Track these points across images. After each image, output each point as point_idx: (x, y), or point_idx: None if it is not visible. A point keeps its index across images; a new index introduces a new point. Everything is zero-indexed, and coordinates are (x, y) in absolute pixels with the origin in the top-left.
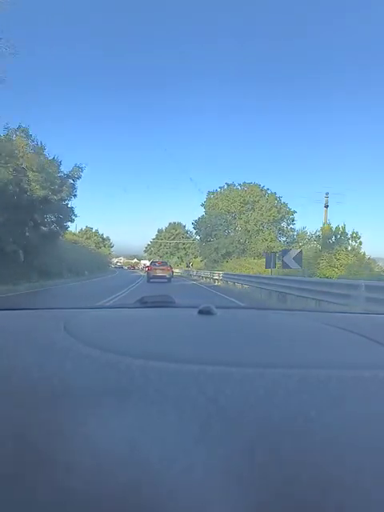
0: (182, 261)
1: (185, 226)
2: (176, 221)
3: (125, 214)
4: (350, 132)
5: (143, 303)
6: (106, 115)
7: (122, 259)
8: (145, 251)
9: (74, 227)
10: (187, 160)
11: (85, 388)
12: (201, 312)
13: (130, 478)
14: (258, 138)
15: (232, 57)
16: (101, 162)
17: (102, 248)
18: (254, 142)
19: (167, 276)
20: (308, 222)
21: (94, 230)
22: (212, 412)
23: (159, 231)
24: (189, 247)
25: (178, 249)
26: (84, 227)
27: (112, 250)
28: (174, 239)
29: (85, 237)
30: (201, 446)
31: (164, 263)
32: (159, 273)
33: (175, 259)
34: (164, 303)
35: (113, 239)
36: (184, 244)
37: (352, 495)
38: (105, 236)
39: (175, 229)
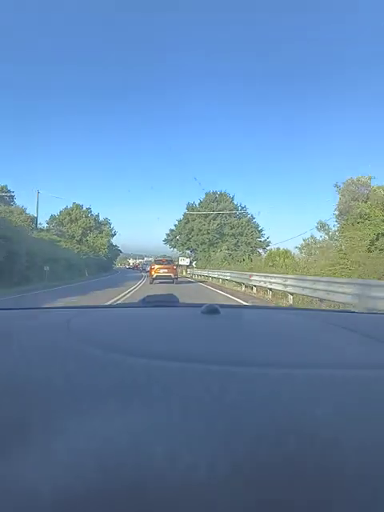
0: (231, 255)
1: (233, 198)
2: (217, 190)
3: (144, 208)
4: None
5: (147, 302)
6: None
7: (152, 258)
8: (165, 242)
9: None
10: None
11: (89, 387)
12: (205, 311)
13: (135, 476)
14: None
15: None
16: (118, 157)
17: (92, 236)
18: None
19: (172, 276)
20: None
21: (84, 209)
22: (216, 411)
23: (189, 207)
24: (242, 233)
25: (224, 235)
26: (71, 204)
27: (125, 245)
28: (216, 217)
29: (68, 218)
30: (205, 444)
31: (169, 262)
32: (163, 273)
33: (220, 252)
34: (168, 302)
35: (134, 239)
36: (232, 226)
37: (355, 494)
38: (102, 219)
39: (217, 201)
